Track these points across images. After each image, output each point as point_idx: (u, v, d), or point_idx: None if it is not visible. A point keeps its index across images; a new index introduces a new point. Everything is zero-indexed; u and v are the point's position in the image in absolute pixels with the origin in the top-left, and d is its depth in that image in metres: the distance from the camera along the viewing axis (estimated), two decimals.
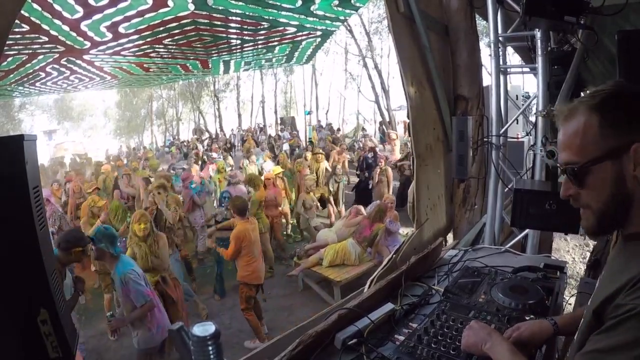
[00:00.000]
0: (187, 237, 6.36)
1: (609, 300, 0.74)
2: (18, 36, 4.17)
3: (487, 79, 3.02)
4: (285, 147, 14.48)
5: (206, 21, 4.64)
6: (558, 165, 0.86)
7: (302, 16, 4.84)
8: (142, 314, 2.99)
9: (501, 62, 2.76)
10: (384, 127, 18.58)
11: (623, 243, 0.84)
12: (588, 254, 5.20)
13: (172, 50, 6.06)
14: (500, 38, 2.69)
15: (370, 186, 7.79)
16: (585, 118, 0.77)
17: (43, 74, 6.67)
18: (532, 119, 2.76)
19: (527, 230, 2.64)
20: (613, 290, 0.74)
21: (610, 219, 0.79)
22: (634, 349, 0.65)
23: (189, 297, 4.81)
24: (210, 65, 7.76)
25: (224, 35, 5.46)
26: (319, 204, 7.36)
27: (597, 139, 0.75)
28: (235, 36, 5.61)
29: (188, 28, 4.81)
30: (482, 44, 3.32)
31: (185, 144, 18.89)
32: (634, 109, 0.74)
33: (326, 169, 8.12)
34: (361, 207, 6.17)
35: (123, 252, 3.33)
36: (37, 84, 7.65)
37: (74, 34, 4.47)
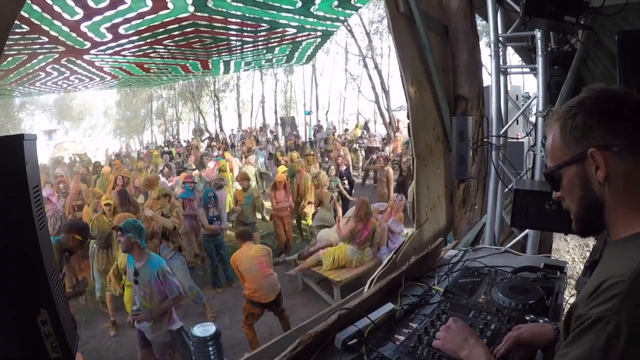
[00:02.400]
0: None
1: (574, 308, 0.75)
2: (18, 36, 4.17)
3: (487, 79, 3.02)
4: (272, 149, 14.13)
5: (206, 23, 4.64)
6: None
7: (302, 17, 4.84)
8: (173, 305, 3.16)
9: (501, 62, 2.75)
10: (367, 128, 18.95)
11: (607, 249, 0.85)
12: (588, 254, 5.20)
13: (172, 51, 6.07)
14: (500, 38, 2.69)
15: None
16: (554, 128, 0.84)
17: (43, 74, 6.68)
18: (532, 119, 2.76)
19: (527, 231, 2.64)
20: (578, 298, 0.75)
21: (587, 220, 0.83)
22: None
23: (199, 300, 4.83)
24: (210, 65, 7.78)
25: (224, 36, 5.47)
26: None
27: (562, 146, 0.82)
28: (235, 37, 5.62)
29: (188, 30, 4.82)
30: (482, 44, 3.32)
31: (185, 145, 18.73)
32: (591, 116, 0.78)
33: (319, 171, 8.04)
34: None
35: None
36: (37, 83, 7.66)
37: (74, 35, 4.48)
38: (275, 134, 19.14)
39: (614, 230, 0.80)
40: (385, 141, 13.61)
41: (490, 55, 2.77)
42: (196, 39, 5.36)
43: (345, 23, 11.92)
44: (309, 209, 7.34)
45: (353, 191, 8.85)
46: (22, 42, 4.46)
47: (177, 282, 3.16)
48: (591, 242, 5.38)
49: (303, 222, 7.61)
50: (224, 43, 5.91)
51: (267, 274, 4.14)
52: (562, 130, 0.81)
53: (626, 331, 0.61)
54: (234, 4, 4.10)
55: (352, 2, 4.67)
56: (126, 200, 6.03)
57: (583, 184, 0.80)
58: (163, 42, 5.36)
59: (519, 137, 4.70)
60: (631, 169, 0.75)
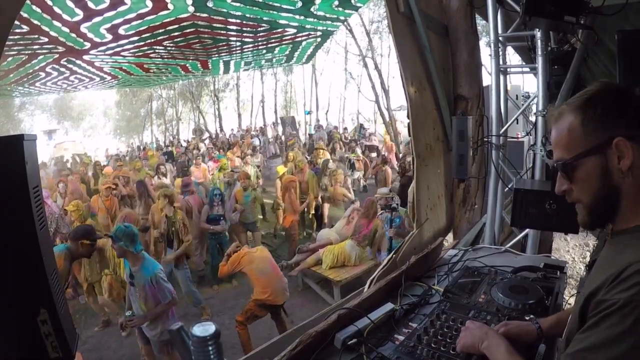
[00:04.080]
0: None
1: (592, 296, 0.75)
2: (18, 37, 4.17)
3: (487, 79, 3.02)
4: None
5: (206, 23, 4.64)
6: (552, 163, 0.90)
7: (302, 17, 4.84)
8: (167, 309, 3.17)
9: (501, 62, 2.75)
10: (363, 129, 19.03)
11: (611, 239, 0.85)
12: (588, 254, 5.21)
13: (172, 51, 6.06)
14: (500, 38, 2.69)
15: None
16: (570, 118, 0.82)
17: (43, 74, 6.68)
18: (532, 118, 2.76)
19: (527, 230, 2.64)
20: (596, 286, 0.75)
21: (601, 211, 0.83)
22: (616, 345, 0.65)
23: (198, 304, 4.81)
24: (210, 65, 7.77)
25: (224, 37, 5.47)
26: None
27: (581, 136, 0.81)
28: (235, 38, 5.62)
29: (188, 30, 4.81)
30: (482, 44, 3.32)
31: (186, 145, 18.70)
32: (613, 107, 0.78)
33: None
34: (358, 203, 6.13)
35: None
36: (37, 83, 7.66)
37: (74, 35, 4.48)
38: (275, 134, 19.15)
39: (626, 219, 0.80)
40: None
41: (490, 55, 2.77)
42: (196, 40, 5.36)
43: (345, 23, 11.91)
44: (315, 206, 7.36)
45: None
46: (22, 42, 4.46)
47: (171, 288, 3.19)
48: (591, 241, 5.39)
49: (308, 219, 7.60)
50: (223, 43, 5.91)
51: (280, 275, 4.09)
52: (583, 119, 0.80)
53: None
54: (234, 4, 4.10)
55: (353, 1, 4.66)
56: (145, 192, 6.09)
57: (603, 174, 0.79)
58: (163, 43, 5.35)
59: (519, 136, 4.69)
60: None
